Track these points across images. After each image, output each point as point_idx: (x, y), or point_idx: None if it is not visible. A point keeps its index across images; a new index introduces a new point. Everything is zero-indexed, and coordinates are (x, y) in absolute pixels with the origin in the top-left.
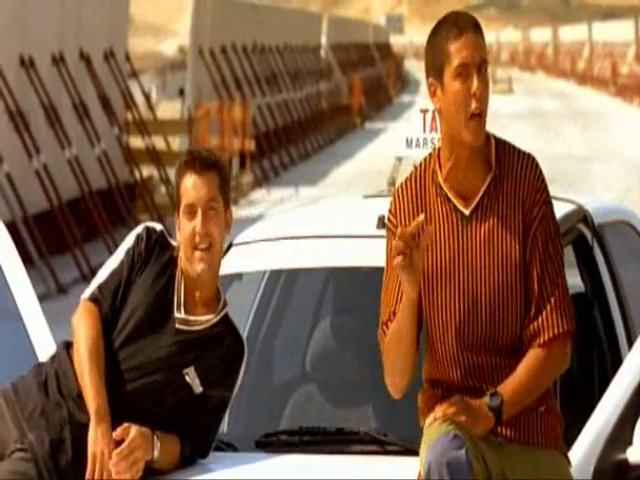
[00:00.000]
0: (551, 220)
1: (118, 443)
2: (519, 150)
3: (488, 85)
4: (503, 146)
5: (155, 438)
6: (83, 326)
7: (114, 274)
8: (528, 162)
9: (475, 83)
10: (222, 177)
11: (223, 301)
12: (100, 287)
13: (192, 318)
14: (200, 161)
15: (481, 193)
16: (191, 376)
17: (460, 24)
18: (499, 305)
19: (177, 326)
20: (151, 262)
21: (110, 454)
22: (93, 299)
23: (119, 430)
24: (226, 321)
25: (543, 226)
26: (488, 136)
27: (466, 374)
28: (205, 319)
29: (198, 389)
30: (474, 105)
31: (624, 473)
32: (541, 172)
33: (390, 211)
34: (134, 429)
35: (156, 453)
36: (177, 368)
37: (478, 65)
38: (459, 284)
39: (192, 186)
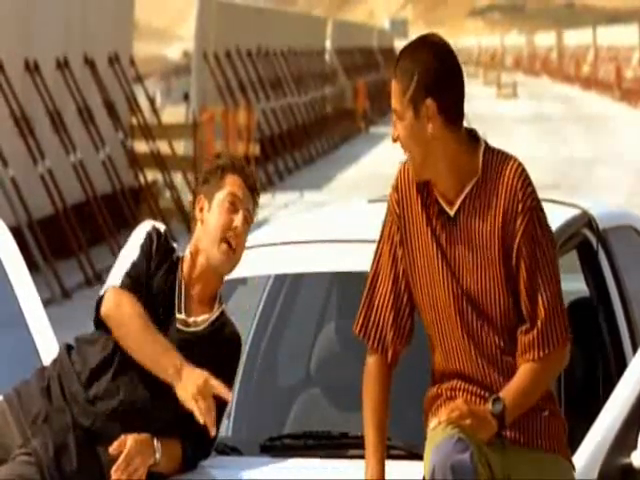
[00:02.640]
0: (538, 226)
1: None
2: (507, 156)
3: (402, 129)
4: (491, 153)
5: (155, 441)
6: (129, 311)
7: (135, 267)
8: (512, 168)
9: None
10: (255, 203)
11: (219, 299)
12: (129, 275)
13: (191, 319)
14: (251, 181)
15: (462, 196)
16: None
17: (396, 64)
18: (487, 300)
19: (178, 326)
20: (159, 264)
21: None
22: (126, 287)
23: (115, 444)
24: (223, 317)
25: (527, 236)
26: (478, 142)
27: (472, 360)
28: (203, 319)
29: None
30: None
31: (629, 477)
32: (526, 178)
33: (393, 185)
34: (130, 439)
35: (158, 456)
36: None
37: (393, 109)
38: (450, 278)
39: (239, 188)
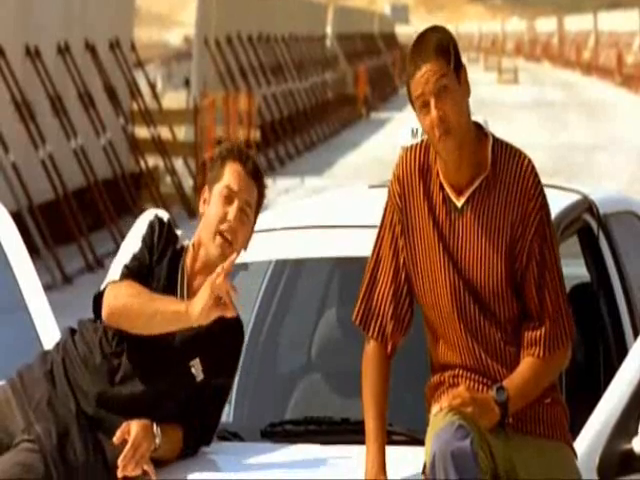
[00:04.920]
0: (547, 226)
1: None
2: (516, 151)
3: (452, 103)
4: (500, 146)
5: (155, 426)
6: (127, 295)
7: (136, 260)
8: (523, 165)
9: (432, 112)
10: (260, 194)
11: None
12: (128, 267)
13: None
14: (251, 166)
15: (473, 188)
16: (196, 368)
17: (416, 57)
18: (490, 292)
19: None
20: (162, 255)
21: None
22: (124, 277)
23: (119, 433)
24: None
25: (539, 234)
26: (486, 135)
27: (473, 353)
28: None
29: (200, 377)
30: (437, 133)
31: (630, 463)
32: (536, 175)
33: (394, 175)
34: (134, 425)
35: (157, 441)
36: (184, 361)
37: (435, 91)
38: (452, 270)
39: (237, 177)
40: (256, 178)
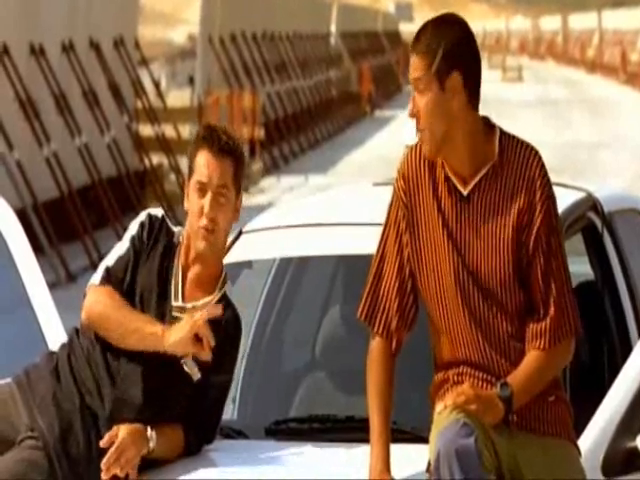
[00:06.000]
0: (553, 216)
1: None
2: (523, 143)
3: (426, 107)
4: (507, 138)
5: (149, 430)
6: (106, 306)
7: (120, 260)
8: (530, 156)
9: (410, 103)
10: (237, 164)
11: (222, 280)
12: (108, 271)
13: (189, 305)
14: (218, 144)
15: (480, 176)
16: (189, 365)
17: (414, 41)
18: (497, 283)
19: (174, 314)
20: (153, 250)
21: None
22: (105, 283)
23: (106, 437)
24: (223, 301)
25: (545, 222)
26: (493, 127)
27: (478, 346)
28: (202, 303)
29: (197, 376)
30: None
31: (634, 461)
32: (543, 166)
33: (399, 172)
34: (122, 429)
35: (152, 444)
36: (175, 358)
37: (413, 86)
38: (457, 259)
39: (205, 165)
40: (227, 153)
